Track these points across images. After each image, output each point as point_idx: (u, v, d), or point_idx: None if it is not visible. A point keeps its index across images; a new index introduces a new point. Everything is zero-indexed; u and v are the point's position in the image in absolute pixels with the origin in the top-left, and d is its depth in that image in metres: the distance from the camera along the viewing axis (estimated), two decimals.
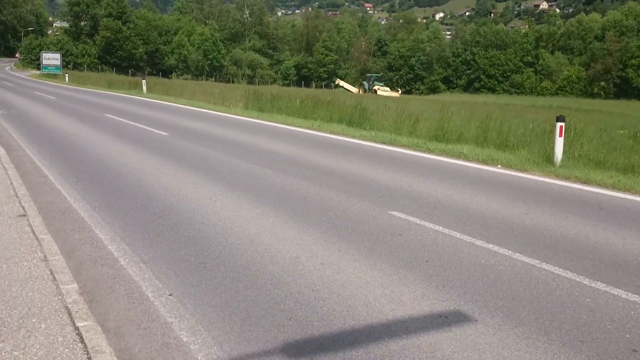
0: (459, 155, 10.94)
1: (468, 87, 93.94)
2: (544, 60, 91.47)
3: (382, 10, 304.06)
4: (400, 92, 78.32)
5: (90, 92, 34.36)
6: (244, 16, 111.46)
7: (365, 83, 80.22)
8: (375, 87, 74.12)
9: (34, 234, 5.65)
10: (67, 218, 6.70)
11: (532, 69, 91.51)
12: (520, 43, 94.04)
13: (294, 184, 8.59)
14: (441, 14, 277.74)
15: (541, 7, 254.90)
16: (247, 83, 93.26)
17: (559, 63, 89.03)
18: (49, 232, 5.83)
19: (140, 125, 15.88)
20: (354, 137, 14.03)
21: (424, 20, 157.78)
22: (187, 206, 7.25)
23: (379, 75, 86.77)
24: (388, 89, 75.52)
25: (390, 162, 10.59)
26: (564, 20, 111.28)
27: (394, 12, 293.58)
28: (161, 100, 26.57)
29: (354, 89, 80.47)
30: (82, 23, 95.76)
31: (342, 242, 5.80)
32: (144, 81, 31.98)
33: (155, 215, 6.82)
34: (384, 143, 12.85)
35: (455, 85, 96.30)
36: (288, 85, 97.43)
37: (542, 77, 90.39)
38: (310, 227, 6.31)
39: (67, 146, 12.26)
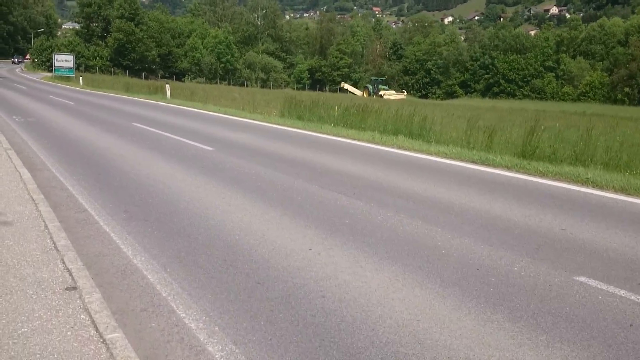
0: (583, 181, 8.94)
1: (486, 92, 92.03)
2: (565, 65, 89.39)
3: (390, 14, 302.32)
4: (405, 93, 78.42)
5: (108, 97, 32.50)
6: (256, 18, 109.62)
7: (369, 86, 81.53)
8: (381, 92, 75.32)
9: (97, 328, 3.72)
10: (132, 285, 4.79)
11: (553, 74, 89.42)
12: (541, 47, 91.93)
13: (407, 225, 6.64)
14: (450, 18, 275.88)
15: (551, 11, 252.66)
16: (261, 87, 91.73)
17: (581, 68, 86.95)
18: (115, 320, 3.90)
19: (178, 138, 13.97)
20: (429, 153, 12.05)
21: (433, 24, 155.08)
22: (287, 263, 5.33)
23: (383, 78, 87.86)
24: (393, 92, 76.58)
25: (502, 189, 8.60)
26: (586, 24, 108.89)
27: (402, 16, 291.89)
28: (188, 107, 24.63)
29: (358, 92, 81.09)
30: (94, 24, 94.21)
31: (556, 340, 3.85)
32: (167, 86, 29.86)
33: (249, 279, 4.91)
34: (474, 162, 10.85)
35: (472, 90, 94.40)
36: (302, 89, 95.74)
37: (563, 82, 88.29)
38: (484, 309, 4.37)
39: (102, 165, 10.35)
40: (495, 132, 13.59)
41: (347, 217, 6.96)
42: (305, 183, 8.93)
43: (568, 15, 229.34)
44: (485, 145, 13.17)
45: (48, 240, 5.56)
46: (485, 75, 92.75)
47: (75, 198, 7.84)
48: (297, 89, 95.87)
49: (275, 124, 18.08)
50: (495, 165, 10.40)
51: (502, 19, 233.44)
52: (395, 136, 14.72)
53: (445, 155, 11.62)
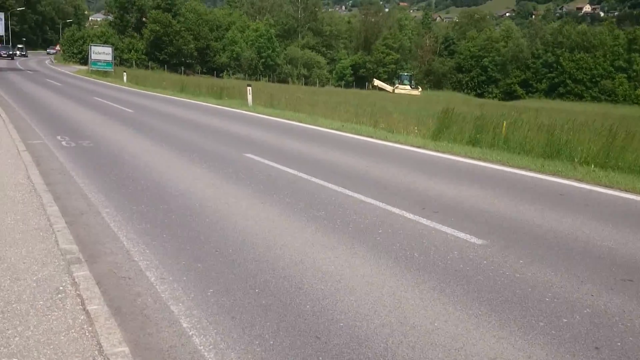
0: None
1: (550, 93, 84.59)
2: (638, 65, 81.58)
3: (417, 10, 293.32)
4: (420, 90, 76.17)
5: (168, 100, 26.08)
6: (298, 10, 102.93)
7: (396, 81, 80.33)
8: (396, 85, 75.49)
9: None
10: None
11: (625, 75, 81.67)
12: (610, 46, 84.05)
13: None
14: None
15: (584, 9, 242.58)
16: (305, 84, 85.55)
17: None
18: None
19: (371, 201, 7.52)
20: None
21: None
22: None
23: (410, 74, 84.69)
24: (408, 87, 75.37)
25: None
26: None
27: (430, 11, 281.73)
28: (289, 119, 17.72)
29: (389, 88, 78.45)
30: (128, 15, 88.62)
31: None
32: (249, 88, 22.29)
33: None
34: None
35: (535, 90, 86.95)
36: (346, 86, 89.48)
37: (636, 84, 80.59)
38: None
39: (294, 310, 3.97)
40: None
41: None
42: None
43: (602, 14, 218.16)
44: None
45: None
46: (549, 75, 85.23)
47: None
48: (340, 86, 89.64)
49: (466, 157, 11.56)
50: None
51: (533, 16, 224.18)
52: None
53: None
